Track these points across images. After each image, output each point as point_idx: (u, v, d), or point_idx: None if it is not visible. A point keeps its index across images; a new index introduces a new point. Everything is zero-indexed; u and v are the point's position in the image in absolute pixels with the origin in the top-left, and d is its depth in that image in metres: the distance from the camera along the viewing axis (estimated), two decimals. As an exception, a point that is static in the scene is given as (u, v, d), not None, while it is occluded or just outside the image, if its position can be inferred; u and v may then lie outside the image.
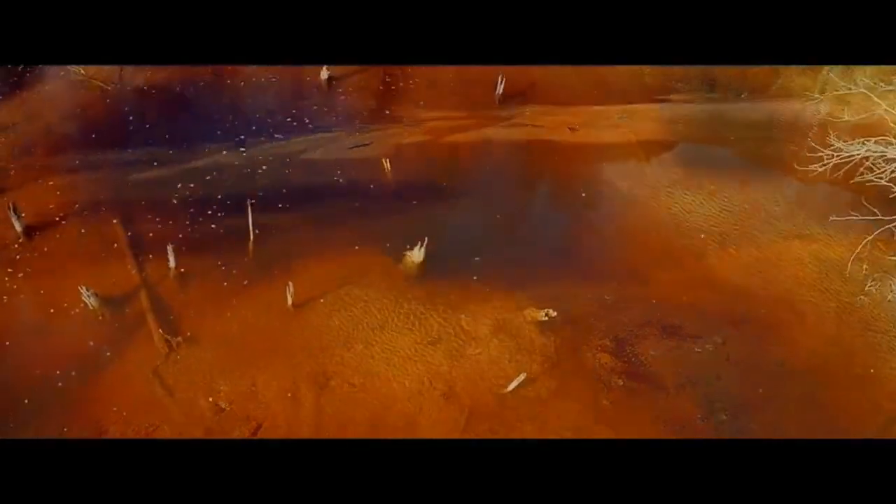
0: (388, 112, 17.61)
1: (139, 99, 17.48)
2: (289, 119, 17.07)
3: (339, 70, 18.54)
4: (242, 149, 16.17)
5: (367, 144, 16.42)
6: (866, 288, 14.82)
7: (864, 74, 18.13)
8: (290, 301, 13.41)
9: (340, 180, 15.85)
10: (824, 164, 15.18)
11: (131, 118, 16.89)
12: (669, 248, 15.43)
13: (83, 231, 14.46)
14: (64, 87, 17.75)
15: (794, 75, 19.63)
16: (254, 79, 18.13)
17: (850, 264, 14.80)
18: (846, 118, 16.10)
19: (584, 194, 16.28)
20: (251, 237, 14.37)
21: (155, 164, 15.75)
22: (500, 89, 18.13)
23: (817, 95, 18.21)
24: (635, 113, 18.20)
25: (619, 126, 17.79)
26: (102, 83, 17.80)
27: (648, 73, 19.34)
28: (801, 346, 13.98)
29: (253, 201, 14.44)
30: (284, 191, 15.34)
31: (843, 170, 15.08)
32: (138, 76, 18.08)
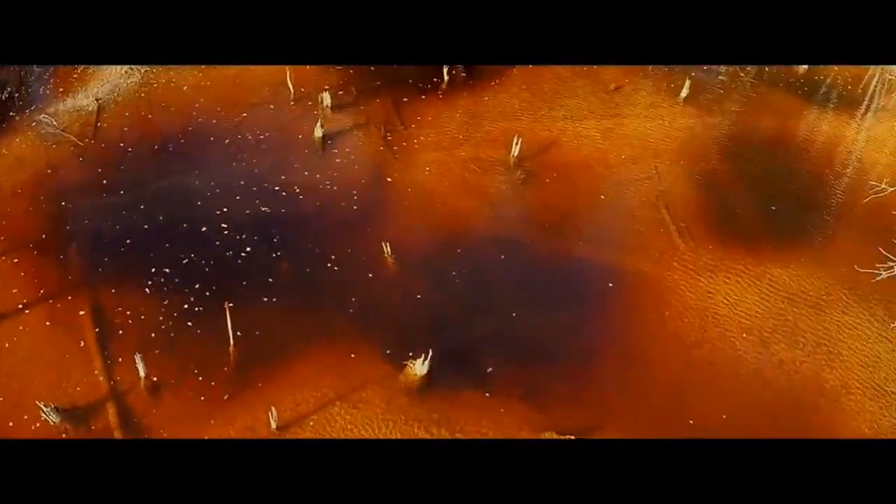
0: (389, 179, 15.15)
1: (114, 159, 15.33)
2: (277, 188, 14.79)
3: (336, 123, 16.04)
4: (224, 225, 13.96)
5: (367, 225, 13.97)
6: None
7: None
8: (273, 424, 11.21)
9: (335, 268, 13.43)
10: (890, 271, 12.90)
11: (104, 182, 14.84)
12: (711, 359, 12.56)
13: (48, 324, 12.51)
14: (33, 141, 15.58)
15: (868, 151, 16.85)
16: (239, 136, 15.85)
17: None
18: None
19: (610, 284, 13.50)
20: (231, 342, 12.18)
21: (128, 241, 13.70)
22: (515, 150, 15.59)
23: (885, 186, 15.06)
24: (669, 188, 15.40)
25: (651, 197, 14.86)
26: (76, 138, 15.70)
27: (680, 128, 16.51)
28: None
29: (231, 304, 12.07)
30: (270, 280, 13.14)
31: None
32: (114, 131, 15.80)
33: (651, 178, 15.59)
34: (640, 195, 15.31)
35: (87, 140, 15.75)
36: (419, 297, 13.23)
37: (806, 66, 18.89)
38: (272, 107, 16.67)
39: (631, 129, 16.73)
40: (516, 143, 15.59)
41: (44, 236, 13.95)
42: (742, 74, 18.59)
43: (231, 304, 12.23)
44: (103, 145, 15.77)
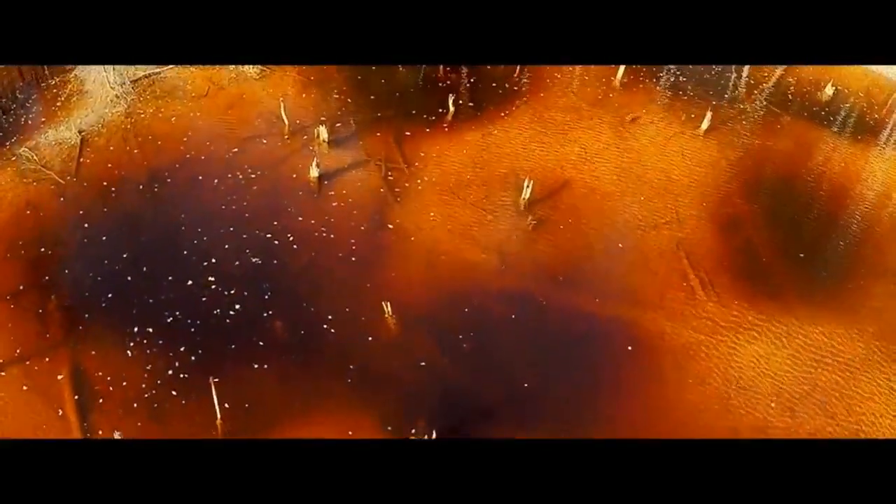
0: (390, 226, 13.76)
1: (97, 199, 14.05)
2: (269, 236, 13.42)
3: (334, 160, 14.66)
4: (212, 278, 12.67)
5: (367, 279, 12.59)
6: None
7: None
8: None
9: (332, 329, 12.09)
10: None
11: (86, 225, 13.56)
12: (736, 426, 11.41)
13: (25, 388, 11.30)
14: (13, 177, 14.35)
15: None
16: (230, 175, 14.50)
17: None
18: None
19: (630, 348, 12.11)
20: (218, 415, 10.86)
21: (110, 294, 12.47)
22: (526, 193, 14.19)
23: None
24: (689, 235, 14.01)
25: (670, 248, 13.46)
26: (57, 175, 14.42)
27: (701, 164, 15.05)
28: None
29: (217, 380, 10.81)
30: (261, 344, 11.84)
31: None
32: (97, 167, 14.57)
33: (671, 222, 14.19)
34: (659, 242, 13.91)
35: (68, 178, 14.48)
36: (423, 364, 11.88)
37: (830, 93, 17.30)
38: (265, 141, 15.32)
39: (649, 165, 15.32)
40: (527, 186, 14.19)
41: (21, 287, 12.69)
42: (764, 102, 17.14)
43: (216, 380, 10.90)
44: (85, 184, 14.51)
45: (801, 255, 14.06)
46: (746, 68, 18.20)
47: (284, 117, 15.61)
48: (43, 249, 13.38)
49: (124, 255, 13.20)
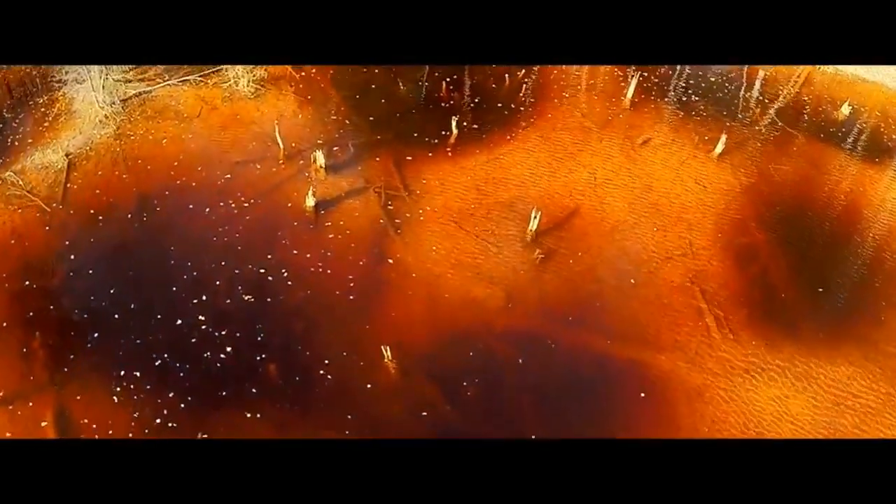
0: (391, 261, 12.74)
1: (84, 229, 13.14)
2: (262, 271, 12.48)
3: (331, 188, 13.71)
4: (202, 317, 11.75)
5: (366, 320, 11.68)
6: None
7: None
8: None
9: (328, 375, 11.11)
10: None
11: (72, 257, 12.65)
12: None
13: (9, 435, 10.44)
14: (-5, 203, 14.40)
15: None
16: (222, 203, 13.51)
17: None
18: None
19: (643, 394, 11.17)
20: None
21: (96, 334, 11.58)
22: (533, 225, 13.20)
23: None
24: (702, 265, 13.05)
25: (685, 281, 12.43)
26: (43, 202, 13.49)
27: (716, 191, 14.12)
28: None
29: (205, 435, 10.04)
30: (254, 391, 10.86)
31: None
32: (85, 193, 13.61)
33: (685, 254, 13.23)
34: (673, 277, 12.90)
35: (55, 205, 13.56)
36: (424, 413, 10.95)
37: (847, 112, 16.31)
38: (259, 167, 14.33)
39: (661, 192, 14.33)
40: (535, 217, 13.18)
41: (5, 324, 11.78)
42: (779, 122, 15.99)
43: (205, 435, 10.15)
44: (72, 212, 13.57)
45: (820, 288, 13.03)
46: (758, 84, 17.10)
47: (279, 140, 14.65)
48: (28, 283, 12.48)
49: (111, 290, 12.31)
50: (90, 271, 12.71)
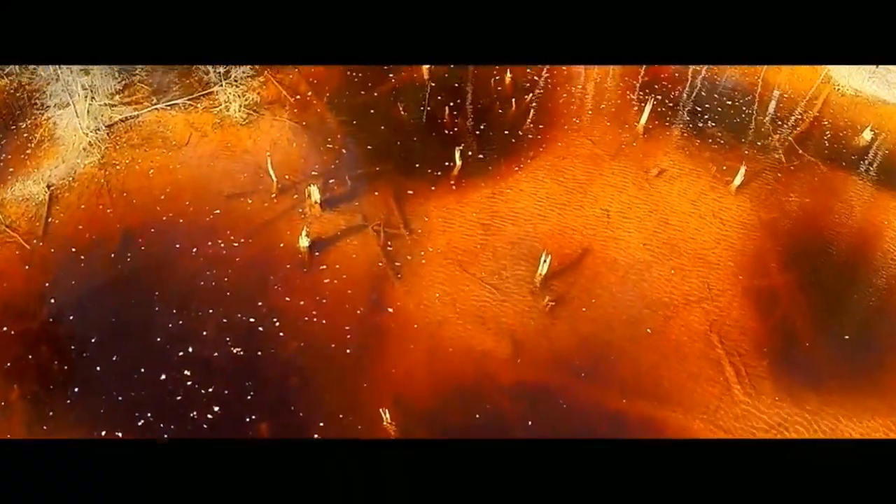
0: (390, 310, 11.47)
1: (65, 268, 11.92)
2: (252, 320, 11.23)
3: (326, 225, 12.40)
4: (188, 371, 10.57)
5: (363, 378, 10.55)
6: None
7: None
8: None
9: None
10: None
11: (52, 300, 11.48)
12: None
13: None
14: (-27, 238, 13.04)
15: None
16: (210, 243, 12.24)
17: None
18: None
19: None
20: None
21: (76, 388, 10.44)
22: (543, 269, 11.93)
23: None
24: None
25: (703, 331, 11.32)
26: (23, 238, 12.27)
27: (735, 227, 12.85)
28: None
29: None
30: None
31: None
32: (66, 228, 12.40)
33: (703, 298, 12.00)
34: (691, 324, 11.69)
35: (35, 241, 12.30)
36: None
37: (868, 137, 15.07)
38: (250, 201, 13.04)
39: (678, 228, 13.06)
40: (544, 261, 11.90)
41: (-20, 373, 11.35)
42: (798, 149, 14.71)
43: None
44: (53, 249, 12.33)
45: (846, 335, 11.85)
46: (775, 106, 15.74)
47: (272, 173, 13.33)
48: (6, 328, 11.22)
49: (93, 339, 11.13)
50: (70, 317, 11.51)
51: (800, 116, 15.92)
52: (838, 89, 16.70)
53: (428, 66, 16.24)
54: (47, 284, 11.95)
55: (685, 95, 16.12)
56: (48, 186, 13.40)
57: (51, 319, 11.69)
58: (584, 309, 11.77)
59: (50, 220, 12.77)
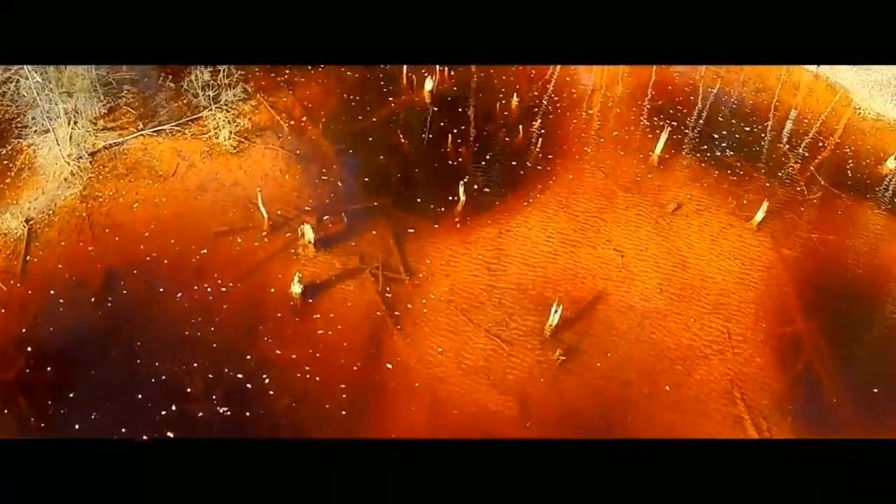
0: (389, 366, 10.32)
1: (43, 313, 10.62)
2: (240, 376, 10.09)
3: (321, 268, 11.27)
4: (171, 433, 9.46)
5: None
6: None
7: None
8: None
9: None
10: None
11: (29, 349, 10.14)
12: None
13: None
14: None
15: None
16: (196, 287, 10.97)
17: None
18: None
19: None
20: None
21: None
22: (554, 319, 10.77)
23: None
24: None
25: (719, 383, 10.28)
26: (-1, 279, 12.20)
27: (757, 268, 11.59)
28: None
29: None
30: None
31: None
32: (46, 266, 11.19)
33: (723, 349, 10.87)
34: (710, 380, 10.57)
35: (12, 282, 11.13)
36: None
37: (892, 166, 13.98)
38: (240, 240, 11.82)
39: (696, 270, 11.86)
40: (555, 312, 10.73)
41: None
42: (821, 181, 13.51)
43: None
44: (30, 292, 11.07)
45: (875, 388, 10.74)
46: (793, 131, 14.53)
47: (263, 210, 12.08)
48: (-28, 384, 10.73)
49: (71, 395, 10.01)
50: (48, 369, 10.29)
51: (821, 143, 14.67)
52: (859, 112, 15.48)
53: (430, 90, 14.92)
54: (24, 330, 10.70)
55: (700, 120, 14.83)
56: (27, 221, 12.15)
57: (27, 370, 10.40)
58: (598, 363, 10.60)
59: (28, 258, 11.55)
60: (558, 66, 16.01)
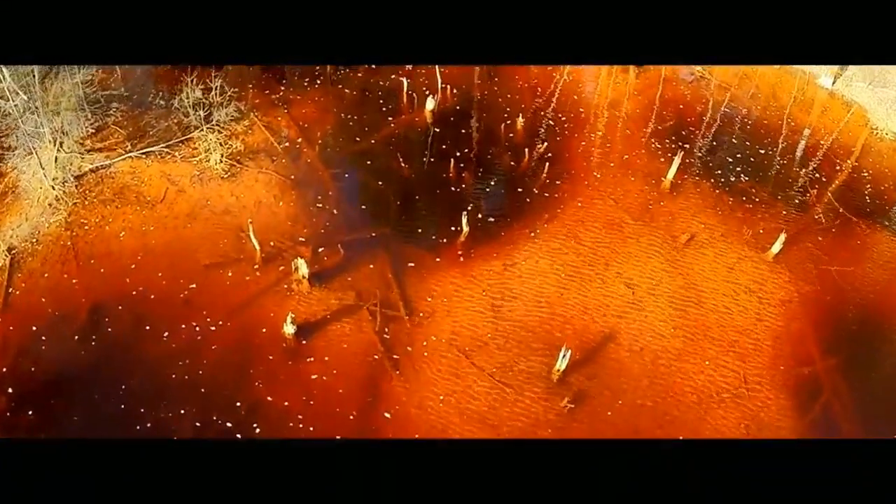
0: (388, 415, 9.57)
1: (23, 354, 9.87)
2: (229, 425, 9.37)
3: (315, 306, 10.41)
4: (157, 489, 10.22)
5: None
6: None
7: None
8: None
9: None
10: None
11: (10, 391, 9.47)
12: None
13: None
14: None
15: None
16: (183, 326, 10.24)
17: None
18: None
19: None
20: None
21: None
22: (562, 364, 10.01)
23: None
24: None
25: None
26: (-22, 312, 11.12)
27: (773, 303, 10.84)
28: None
29: None
30: None
31: None
32: (29, 299, 10.44)
33: (738, 394, 10.13)
34: (724, 424, 9.78)
35: (-6, 312, 11.08)
36: None
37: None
38: (230, 273, 10.97)
39: (710, 307, 11.04)
40: (563, 356, 9.95)
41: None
42: (840, 208, 12.61)
43: None
44: (12, 327, 10.33)
45: (898, 435, 10.56)
46: (806, 155, 13.75)
47: (255, 241, 11.20)
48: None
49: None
50: (29, 412, 9.53)
51: (838, 166, 13.84)
52: (876, 133, 14.60)
53: (431, 109, 14.01)
54: (4, 370, 9.95)
55: (714, 142, 13.95)
56: (9, 250, 11.33)
57: (7, 414, 9.67)
58: (609, 413, 9.77)
59: (10, 290, 10.74)
60: (562, 81, 15.09)
